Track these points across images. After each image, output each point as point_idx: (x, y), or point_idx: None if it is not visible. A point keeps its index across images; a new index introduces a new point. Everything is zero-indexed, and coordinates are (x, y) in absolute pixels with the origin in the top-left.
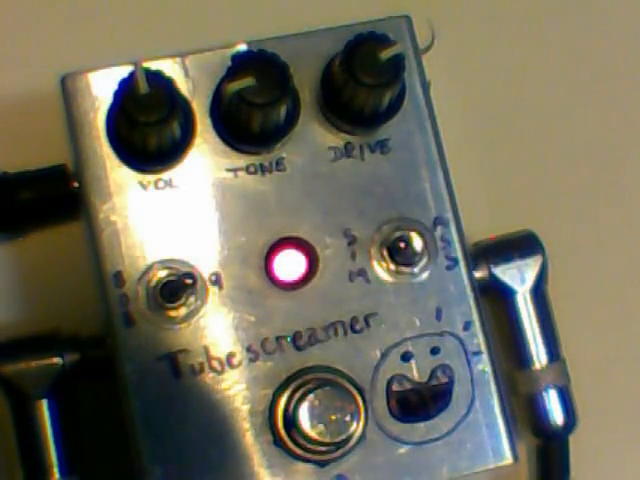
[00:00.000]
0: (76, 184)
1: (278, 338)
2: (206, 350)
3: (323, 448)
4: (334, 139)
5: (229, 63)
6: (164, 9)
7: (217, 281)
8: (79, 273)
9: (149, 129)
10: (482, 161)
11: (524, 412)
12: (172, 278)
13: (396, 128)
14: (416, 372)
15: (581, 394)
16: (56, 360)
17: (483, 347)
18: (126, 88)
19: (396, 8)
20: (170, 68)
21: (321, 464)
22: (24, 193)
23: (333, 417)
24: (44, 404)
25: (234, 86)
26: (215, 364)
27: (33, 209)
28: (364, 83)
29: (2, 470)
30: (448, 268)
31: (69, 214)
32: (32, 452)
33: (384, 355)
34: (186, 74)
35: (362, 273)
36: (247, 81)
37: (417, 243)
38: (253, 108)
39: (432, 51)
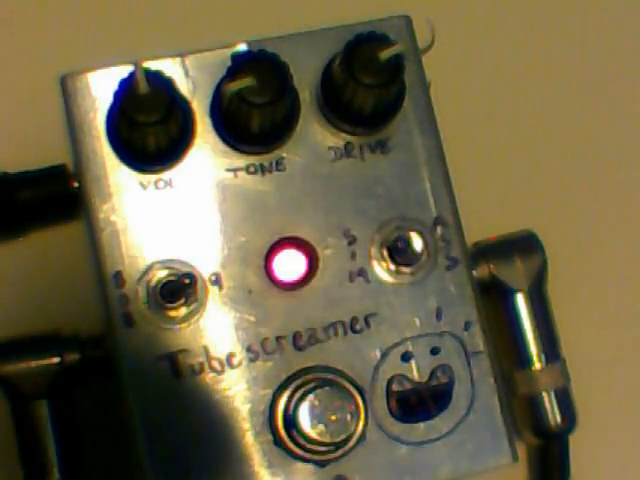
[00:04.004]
0: (76, 184)
1: (278, 338)
2: (206, 350)
3: (323, 448)
4: (334, 139)
5: (229, 63)
6: (164, 9)
7: (217, 281)
8: (79, 273)
9: (149, 129)
10: (482, 161)
11: (524, 412)
12: (172, 278)
13: (396, 128)
14: (416, 372)
15: (581, 394)
16: (56, 360)
17: (483, 347)
18: (126, 88)
19: (396, 8)
20: (170, 68)
21: (321, 464)
22: (24, 193)
23: (333, 417)
24: (44, 404)
25: (234, 86)
26: (215, 364)
27: (33, 209)
28: (364, 83)
29: (2, 470)
30: (448, 268)
31: (69, 214)
32: (32, 452)
33: (384, 355)
34: (186, 74)
35: (362, 273)
36: (247, 81)
37: (417, 243)
38: (253, 108)
39: (432, 51)
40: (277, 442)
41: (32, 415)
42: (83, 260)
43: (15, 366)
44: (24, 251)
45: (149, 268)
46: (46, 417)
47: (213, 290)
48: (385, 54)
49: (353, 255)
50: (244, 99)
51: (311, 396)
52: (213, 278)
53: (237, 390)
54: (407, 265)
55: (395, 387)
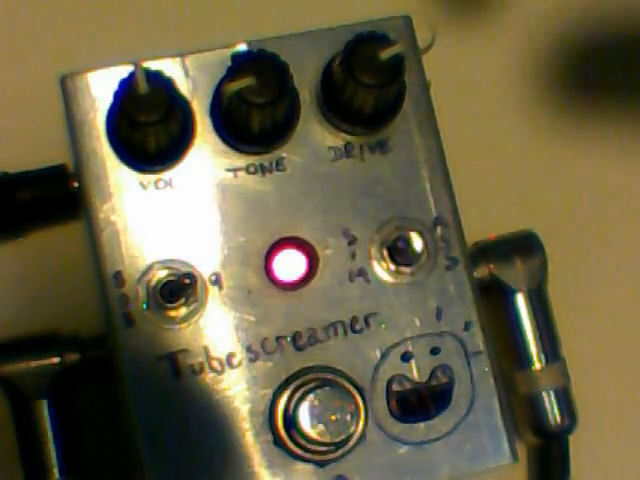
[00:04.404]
0: (76, 184)
1: (278, 338)
2: (206, 350)
3: (323, 448)
4: (334, 139)
5: (229, 63)
6: (164, 9)
7: (217, 281)
8: (79, 273)
9: (149, 129)
10: (482, 161)
11: (524, 412)
12: (172, 278)
13: (396, 128)
14: (416, 372)
15: (581, 394)
16: (56, 360)
17: (483, 347)
18: (126, 88)
19: (396, 8)
20: (170, 68)
21: (321, 464)
22: (24, 193)
23: (333, 417)
24: (44, 404)
25: (234, 86)
26: (215, 364)
27: (33, 209)
28: (364, 83)
29: (2, 470)
30: (448, 268)
31: (69, 214)
32: (32, 452)
33: (384, 355)
34: (186, 74)
35: (362, 273)
36: (247, 81)
37: (417, 243)
38: (253, 108)
39: (432, 51)
40: (277, 442)
41: (32, 415)
42: (83, 260)
43: (15, 366)
44: (24, 251)
45: (149, 268)
46: (46, 417)
47: (213, 290)
48: (385, 54)
49: (353, 255)
50: (244, 99)
51: (311, 396)
52: (213, 278)
53: (237, 390)
54: (407, 265)
55: (395, 387)
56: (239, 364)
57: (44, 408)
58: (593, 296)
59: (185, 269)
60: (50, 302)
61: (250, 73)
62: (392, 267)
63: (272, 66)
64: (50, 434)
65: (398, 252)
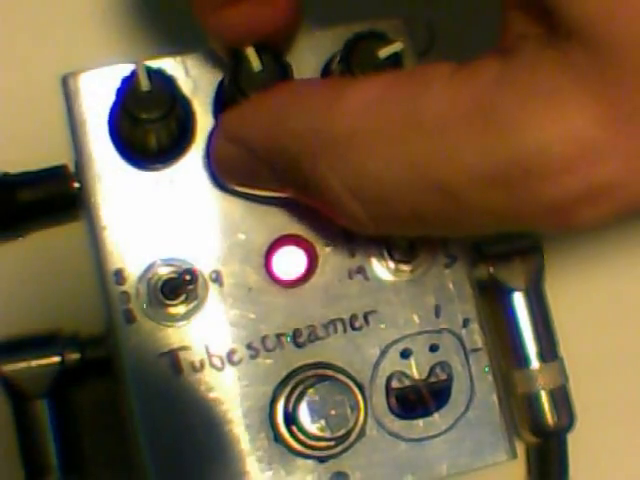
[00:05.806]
0: (76, 185)
1: (278, 335)
2: (207, 347)
3: (323, 444)
4: None
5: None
6: (164, 9)
7: (217, 279)
8: (79, 273)
9: (150, 126)
10: None
11: (522, 411)
12: (173, 275)
13: None
14: (415, 369)
15: (579, 393)
16: (56, 360)
17: (482, 344)
18: (128, 85)
19: (396, 8)
20: (171, 67)
21: (321, 460)
22: (24, 193)
23: (333, 412)
24: (44, 403)
25: (248, 51)
26: (216, 361)
27: (33, 209)
28: None
29: (2, 470)
30: (447, 266)
31: (69, 214)
32: (32, 451)
33: (383, 352)
34: (187, 73)
35: (361, 271)
36: (255, 61)
37: (416, 241)
38: None
39: (432, 51)
40: (277, 439)
41: (33, 415)
42: (83, 260)
43: (16, 366)
44: (24, 251)
45: (150, 266)
46: (46, 416)
47: (214, 287)
48: (384, 52)
49: (352, 253)
50: (242, 93)
51: (311, 391)
52: (213, 275)
53: (237, 387)
54: (406, 263)
55: (394, 384)
56: (239, 361)
57: (44, 407)
58: (592, 295)
59: (186, 266)
60: (50, 302)
61: (259, 61)
62: (391, 265)
63: (275, 63)
64: (50, 433)
65: (397, 249)
